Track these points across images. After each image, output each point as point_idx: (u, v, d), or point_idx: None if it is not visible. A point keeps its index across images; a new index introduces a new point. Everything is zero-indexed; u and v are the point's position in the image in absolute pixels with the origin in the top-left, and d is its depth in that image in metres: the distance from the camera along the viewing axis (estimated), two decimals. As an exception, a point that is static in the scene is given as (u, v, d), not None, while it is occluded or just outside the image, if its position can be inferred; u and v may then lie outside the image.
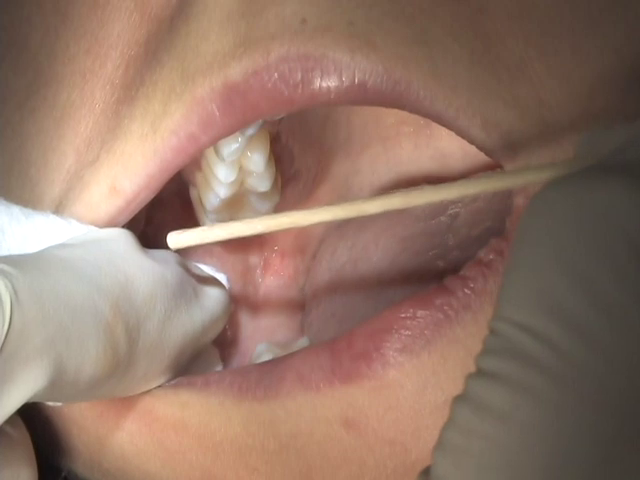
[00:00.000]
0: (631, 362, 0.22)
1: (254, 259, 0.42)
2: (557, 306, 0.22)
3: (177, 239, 0.32)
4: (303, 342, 0.39)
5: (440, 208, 0.39)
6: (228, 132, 0.32)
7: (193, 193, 0.38)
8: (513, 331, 0.23)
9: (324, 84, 0.30)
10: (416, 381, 0.30)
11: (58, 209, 0.33)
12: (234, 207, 0.38)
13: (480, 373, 0.23)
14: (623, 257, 0.22)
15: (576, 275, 0.22)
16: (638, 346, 0.22)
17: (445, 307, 0.30)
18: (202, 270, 0.36)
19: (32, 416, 0.33)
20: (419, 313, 0.30)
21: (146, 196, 0.33)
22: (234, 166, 0.35)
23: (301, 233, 0.42)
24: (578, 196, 0.23)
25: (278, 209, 0.39)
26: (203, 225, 0.38)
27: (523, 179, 0.28)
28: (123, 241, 0.32)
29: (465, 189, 0.29)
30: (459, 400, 0.23)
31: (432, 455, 0.23)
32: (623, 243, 0.22)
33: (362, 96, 0.31)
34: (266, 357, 0.38)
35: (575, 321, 0.22)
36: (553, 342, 0.22)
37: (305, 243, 0.43)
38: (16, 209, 0.32)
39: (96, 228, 0.32)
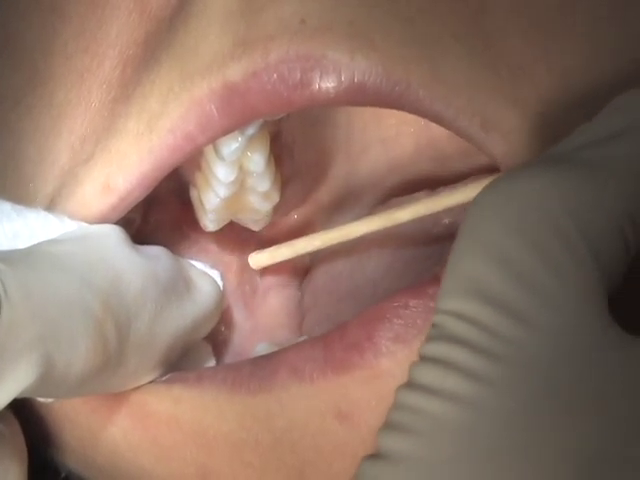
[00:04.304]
0: (554, 330, 0.23)
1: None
2: (480, 287, 0.24)
3: (257, 259, 0.38)
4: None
5: (433, 218, 0.39)
6: (226, 132, 0.32)
7: (193, 193, 0.38)
8: (444, 318, 0.24)
9: (323, 85, 0.30)
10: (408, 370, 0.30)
11: (50, 206, 0.33)
12: (234, 207, 0.37)
13: (418, 360, 0.25)
14: (541, 234, 0.24)
15: (495, 255, 0.24)
16: (559, 315, 0.23)
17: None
18: (195, 266, 0.36)
19: (25, 412, 0.33)
20: (411, 302, 0.30)
21: (140, 194, 0.33)
22: (234, 166, 0.35)
23: (300, 231, 0.41)
24: (503, 187, 0.25)
25: (278, 209, 0.39)
26: (202, 224, 0.38)
27: None
28: (114, 237, 0.32)
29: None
30: (400, 386, 0.25)
31: (377, 437, 0.25)
32: (540, 222, 0.24)
33: (361, 97, 0.31)
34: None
35: (498, 299, 0.24)
36: (478, 321, 0.24)
37: None
38: (7, 206, 0.32)
39: (87, 224, 0.32)
